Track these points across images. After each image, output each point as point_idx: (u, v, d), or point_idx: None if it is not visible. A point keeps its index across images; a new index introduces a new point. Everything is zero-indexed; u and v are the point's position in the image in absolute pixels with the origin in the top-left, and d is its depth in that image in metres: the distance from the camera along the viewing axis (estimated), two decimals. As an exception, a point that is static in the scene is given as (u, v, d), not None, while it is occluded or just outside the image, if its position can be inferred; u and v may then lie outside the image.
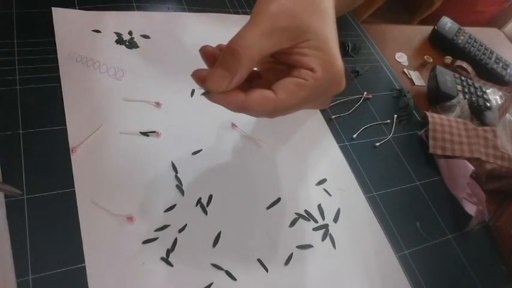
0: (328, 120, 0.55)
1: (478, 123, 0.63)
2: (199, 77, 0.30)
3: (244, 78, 0.30)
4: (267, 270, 0.40)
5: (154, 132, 0.45)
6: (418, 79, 0.70)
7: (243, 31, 0.29)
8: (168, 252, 0.38)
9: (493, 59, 0.78)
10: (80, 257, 0.35)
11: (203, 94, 0.30)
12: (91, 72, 0.47)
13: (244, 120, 0.50)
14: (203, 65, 0.32)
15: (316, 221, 0.45)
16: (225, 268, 0.39)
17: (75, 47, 0.49)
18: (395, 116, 0.60)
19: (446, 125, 0.58)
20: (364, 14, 0.96)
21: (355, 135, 0.55)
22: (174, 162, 0.44)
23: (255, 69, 0.36)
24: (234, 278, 0.38)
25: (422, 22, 1.17)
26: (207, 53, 0.32)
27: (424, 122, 0.59)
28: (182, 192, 0.42)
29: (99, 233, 0.37)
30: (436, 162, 0.57)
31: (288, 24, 0.30)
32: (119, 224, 0.38)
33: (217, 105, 0.30)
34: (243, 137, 0.49)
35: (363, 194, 0.49)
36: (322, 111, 0.55)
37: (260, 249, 0.41)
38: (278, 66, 0.34)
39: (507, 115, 0.63)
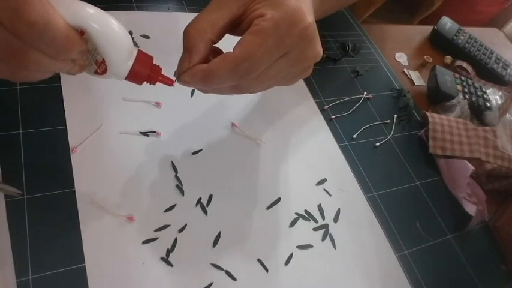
0: (328, 120, 0.55)
1: (478, 123, 0.63)
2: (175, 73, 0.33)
3: (205, 52, 0.32)
4: (267, 270, 0.40)
5: (154, 132, 0.45)
6: (418, 79, 0.70)
7: (197, 15, 0.32)
8: (168, 252, 0.38)
9: (493, 59, 0.78)
10: (80, 257, 0.35)
11: (177, 81, 0.33)
12: (91, 72, 0.47)
13: (244, 120, 0.50)
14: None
15: (316, 221, 0.45)
16: (225, 268, 0.39)
17: (75, 47, 0.48)
18: (395, 116, 0.60)
19: (446, 125, 0.58)
20: (364, 14, 0.96)
21: (355, 135, 0.55)
22: (174, 162, 0.44)
23: None
24: (234, 278, 0.38)
25: (422, 22, 1.17)
26: None
27: (424, 122, 0.59)
28: (182, 192, 0.42)
29: (99, 233, 0.37)
30: (436, 162, 0.57)
31: None
32: (119, 224, 0.38)
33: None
34: (243, 137, 0.49)
35: (363, 194, 0.49)
36: (323, 112, 0.55)
37: (260, 249, 0.41)
38: None
39: (507, 115, 0.63)
